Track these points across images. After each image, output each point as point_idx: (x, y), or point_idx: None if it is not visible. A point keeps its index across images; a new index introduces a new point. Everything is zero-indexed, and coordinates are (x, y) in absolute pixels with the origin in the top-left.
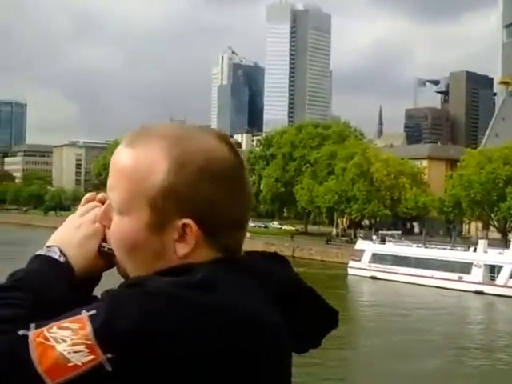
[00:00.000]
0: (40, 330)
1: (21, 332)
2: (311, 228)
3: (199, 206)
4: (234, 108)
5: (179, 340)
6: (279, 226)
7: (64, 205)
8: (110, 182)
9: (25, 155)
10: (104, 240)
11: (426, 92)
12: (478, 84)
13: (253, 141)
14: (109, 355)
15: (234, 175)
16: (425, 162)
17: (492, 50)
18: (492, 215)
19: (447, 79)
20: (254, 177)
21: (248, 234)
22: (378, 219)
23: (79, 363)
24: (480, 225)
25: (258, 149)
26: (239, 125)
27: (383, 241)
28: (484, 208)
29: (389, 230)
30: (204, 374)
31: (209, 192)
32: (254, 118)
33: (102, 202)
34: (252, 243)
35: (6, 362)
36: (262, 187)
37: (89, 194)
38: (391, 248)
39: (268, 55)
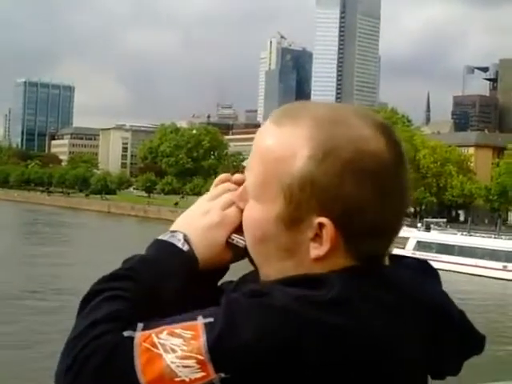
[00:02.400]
0: (148, 332)
1: (126, 333)
2: None
3: (340, 204)
4: (281, 93)
5: (304, 365)
6: None
7: (110, 188)
8: (249, 160)
9: (71, 138)
10: (234, 230)
11: (475, 79)
12: None
13: None
14: (222, 375)
15: (388, 174)
16: (472, 150)
17: None
18: None
19: (496, 66)
20: None
21: None
22: (423, 206)
23: (187, 379)
24: None
25: None
26: None
27: (428, 228)
28: None
29: (434, 217)
30: None
31: (353, 190)
32: None
33: (239, 184)
34: None
35: (105, 366)
36: None
37: (224, 175)
38: (436, 236)
39: (316, 40)
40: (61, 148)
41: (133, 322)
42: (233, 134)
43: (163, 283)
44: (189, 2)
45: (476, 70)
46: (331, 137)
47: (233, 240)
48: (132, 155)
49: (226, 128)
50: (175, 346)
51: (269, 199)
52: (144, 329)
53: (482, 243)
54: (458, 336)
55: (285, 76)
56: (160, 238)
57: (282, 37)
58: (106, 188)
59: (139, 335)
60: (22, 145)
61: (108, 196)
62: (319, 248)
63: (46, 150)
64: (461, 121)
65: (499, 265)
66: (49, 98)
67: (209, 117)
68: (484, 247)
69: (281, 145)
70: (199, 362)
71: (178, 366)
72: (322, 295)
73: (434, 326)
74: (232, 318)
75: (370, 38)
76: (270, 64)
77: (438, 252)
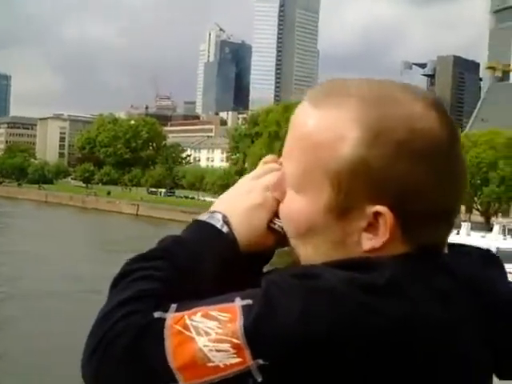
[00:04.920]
0: (180, 314)
1: (157, 314)
2: None
3: (395, 190)
4: (220, 85)
5: (353, 355)
6: None
7: (47, 178)
8: (285, 147)
9: (8, 127)
10: (277, 214)
11: (413, 75)
12: (465, 69)
13: (238, 119)
14: (260, 362)
15: (443, 154)
16: None
17: (480, 35)
18: (475, 199)
19: (434, 63)
20: (238, 155)
21: None
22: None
23: (221, 365)
24: (463, 208)
25: (243, 127)
26: (225, 102)
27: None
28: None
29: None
30: None
31: (409, 173)
32: (240, 96)
33: None
34: None
35: (133, 348)
36: (246, 165)
37: (269, 156)
38: None
39: (256, 33)
40: None
41: (164, 302)
42: (171, 125)
43: (198, 265)
44: None
45: (414, 66)
46: (381, 117)
47: (275, 225)
48: (70, 145)
49: (165, 119)
50: (209, 328)
51: (313, 189)
52: (177, 310)
53: None
54: None
55: (224, 68)
56: (198, 218)
57: (220, 29)
58: (44, 178)
59: (171, 316)
60: None
61: (45, 186)
62: (374, 239)
63: None
64: None
65: None
66: None
67: (147, 108)
68: None
69: (325, 129)
70: (235, 346)
71: (211, 350)
72: (376, 279)
73: (495, 316)
74: (272, 300)
75: (309, 33)
76: (208, 56)
77: None
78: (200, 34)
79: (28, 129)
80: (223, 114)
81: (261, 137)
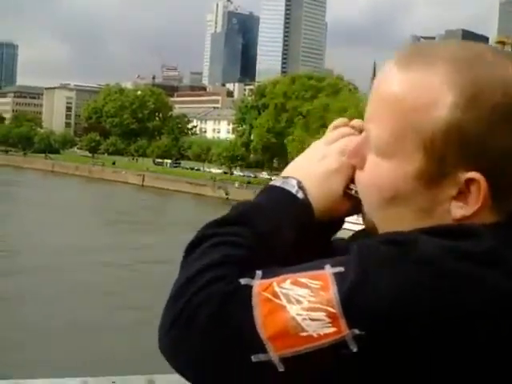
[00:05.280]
0: (268, 281)
1: (243, 280)
2: None
3: (489, 156)
4: (226, 56)
5: (445, 327)
6: (268, 177)
7: (53, 148)
8: (370, 110)
9: (15, 96)
10: (353, 180)
11: None
12: None
13: (245, 90)
14: (356, 331)
15: None
16: None
17: (489, 9)
18: None
19: (443, 37)
20: (244, 126)
21: (236, 184)
22: None
23: (315, 335)
24: None
25: (249, 98)
26: (231, 74)
27: None
28: None
29: None
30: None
31: (504, 138)
32: (246, 68)
33: (359, 131)
34: (240, 193)
35: (219, 316)
36: (252, 137)
37: (339, 120)
38: None
39: (263, 5)
40: (4, 106)
41: (248, 269)
42: (178, 95)
43: (276, 231)
44: None
45: (422, 40)
46: (475, 79)
47: (351, 190)
48: (76, 115)
49: (171, 90)
50: (301, 296)
51: (403, 154)
52: (263, 277)
53: None
54: None
55: (231, 39)
56: (272, 183)
57: (228, 0)
58: (50, 147)
59: (258, 283)
60: None
61: (52, 155)
62: (465, 207)
63: None
64: None
65: None
66: None
67: (154, 78)
68: None
69: (416, 92)
70: (330, 315)
71: (304, 319)
72: (474, 246)
73: None
74: (367, 267)
75: (317, 4)
76: (215, 27)
77: None
78: (207, 5)
79: (34, 98)
80: (230, 86)
81: (267, 108)
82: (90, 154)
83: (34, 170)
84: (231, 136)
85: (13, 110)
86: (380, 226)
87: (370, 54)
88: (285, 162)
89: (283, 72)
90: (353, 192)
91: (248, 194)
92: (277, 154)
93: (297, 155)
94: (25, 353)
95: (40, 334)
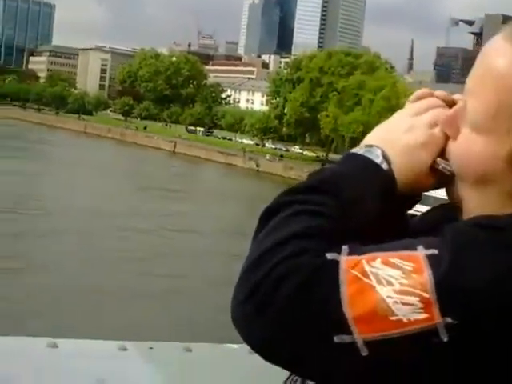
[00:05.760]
0: (356, 258)
1: (329, 255)
2: (332, 156)
3: None
4: (263, 28)
5: None
6: (300, 151)
7: (86, 109)
8: (471, 82)
9: (50, 56)
10: (439, 154)
11: (460, 32)
12: None
13: (280, 62)
14: (449, 320)
15: None
16: None
17: None
18: None
19: (482, 21)
20: (278, 99)
21: (267, 156)
22: None
23: (405, 320)
24: None
25: (285, 71)
26: (268, 45)
27: None
28: None
29: None
30: None
31: None
32: (283, 40)
33: (449, 105)
34: (270, 165)
35: (304, 291)
36: (286, 110)
37: (422, 90)
38: None
39: None
40: (39, 65)
41: (333, 242)
42: (213, 64)
43: (360, 202)
44: None
45: (461, 23)
46: None
47: (438, 165)
48: (110, 77)
49: (206, 58)
50: (392, 277)
51: (500, 132)
52: (350, 253)
53: None
54: None
55: (268, 11)
56: (354, 151)
57: None
58: (83, 108)
59: (345, 259)
60: None
61: (85, 116)
62: None
63: (24, 66)
64: (443, 72)
65: None
66: (28, 14)
67: (190, 45)
68: None
69: None
70: (423, 300)
71: (395, 303)
72: None
73: None
74: (463, 251)
75: None
76: None
77: None
78: None
79: (69, 58)
80: (265, 57)
81: (302, 82)
82: (122, 118)
83: (66, 130)
84: (265, 108)
85: (47, 70)
86: (466, 202)
87: (406, 34)
88: (317, 136)
89: (319, 47)
90: (440, 167)
91: (278, 167)
92: (309, 129)
93: (329, 131)
94: (54, 318)
95: (68, 299)
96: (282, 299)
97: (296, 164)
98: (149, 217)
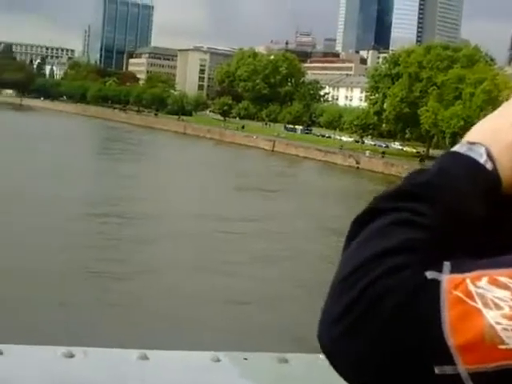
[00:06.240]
0: (460, 276)
1: (429, 274)
2: (433, 152)
3: None
4: (361, 23)
5: None
6: (400, 147)
7: (186, 110)
8: None
9: (149, 57)
10: None
11: None
12: None
13: (378, 58)
14: None
15: None
16: None
17: None
18: None
19: None
20: (377, 95)
21: (367, 153)
22: None
23: None
24: None
25: (383, 66)
26: (365, 41)
27: None
28: None
29: None
30: None
31: None
32: (380, 35)
33: None
34: (371, 162)
35: (401, 313)
36: (385, 106)
37: None
38: None
39: None
40: (138, 67)
41: (433, 258)
42: (311, 62)
43: (465, 209)
44: None
45: None
46: None
47: None
48: (209, 78)
49: (304, 56)
50: (500, 300)
51: None
52: (453, 271)
53: None
54: None
55: (366, 6)
56: (455, 149)
57: None
58: (183, 109)
59: (447, 278)
60: (100, 61)
61: (184, 117)
62: None
63: (124, 68)
64: None
65: None
66: (128, 16)
67: (287, 43)
68: None
69: None
70: None
71: (505, 329)
72: None
73: None
74: None
75: None
76: None
77: None
78: None
79: (168, 60)
80: (363, 53)
81: (401, 77)
82: (221, 118)
83: (166, 131)
84: (363, 104)
85: (147, 71)
86: None
87: (507, 24)
88: (417, 132)
89: (418, 41)
90: None
91: (379, 164)
92: (409, 125)
93: (430, 126)
94: (178, 325)
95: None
96: (377, 323)
97: (397, 160)
98: (252, 219)
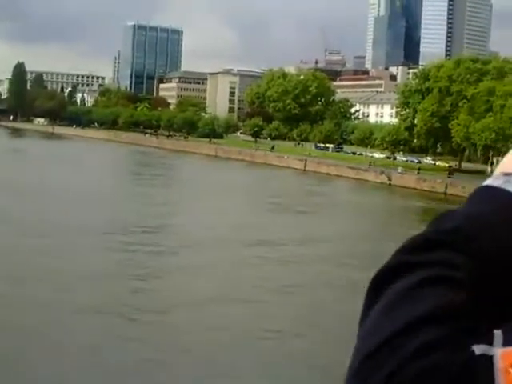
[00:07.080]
0: None
1: (477, 348)
2: (465, 165)
3: None
4: (390, 40)
5: None
6: (432, 162)
7: (217, 132)
8: None
9: (179, 82)
10: None
11: None
12: None
13: (408, 73)
14: None
15: None
16: None
17: None
18: None
19: None
20: (408, 110)
21: (399, 169)
22: None
23: None
24: None
25: (413, 82)
26: (395, 57)
27: None
28: None
29: None
30: None
31: None
32: (409, 51)
33: None
34: (403, 178)
35: None
36: (416, 121)
37: None
38: None
39: None
40: (169, 91)
41: (479, 325)
42: (340, 80)
43: (506, 258)
44: None
45: None
46: None
47: None
48: (239, 100)
49: (334, 74)
50: None
51: None
52: (506, 341)
53: None
54: None
55: (394, 22)
56: (488, 183)
57: None
58: (214, 132)
59: (502, 353)
60: (130, 87)
61: (215, 140)
62: None
63: (155, 93)
64: None
65: None
66: (157, 42)
67: (316, 62)
68: None
69: None
70: None
71: None
72: None
73: None
74: None
75: None
76: (378, 10)
77: None
78: None
79: (198, 83)
80: (393, 69)
81: (431, 92)
82: (252, 139)
83: (197, 155)
84: (394, 120)
85: (177, 96)
86: None
87: None
88: (449, 146)
89: (447, 55)
90: None
91: (410, 180)
92: (440, 139)
93: (461, 139)
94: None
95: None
96: None
97: (429, 175)
98: (296, 243)
